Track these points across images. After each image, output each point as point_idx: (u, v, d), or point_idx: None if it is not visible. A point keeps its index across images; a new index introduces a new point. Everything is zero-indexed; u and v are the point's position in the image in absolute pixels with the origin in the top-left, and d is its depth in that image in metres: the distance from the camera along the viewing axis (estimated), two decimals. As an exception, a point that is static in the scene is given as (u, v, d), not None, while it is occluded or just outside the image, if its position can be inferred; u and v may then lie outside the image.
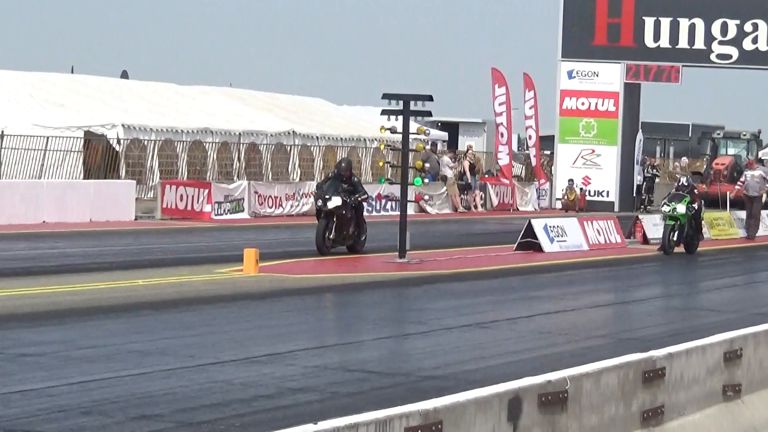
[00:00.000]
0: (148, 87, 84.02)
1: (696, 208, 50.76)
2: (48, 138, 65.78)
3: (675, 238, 49.35)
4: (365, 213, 44.54)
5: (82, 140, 68.80)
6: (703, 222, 53.78)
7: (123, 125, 71.36)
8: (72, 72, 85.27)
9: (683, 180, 52.63)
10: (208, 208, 66.42)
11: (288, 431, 10.99)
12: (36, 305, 30.42)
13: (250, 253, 40.43)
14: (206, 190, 68.17)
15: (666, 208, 50.75)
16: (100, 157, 69.40)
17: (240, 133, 77.56)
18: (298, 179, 77.46)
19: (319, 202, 40.08)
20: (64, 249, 45.41)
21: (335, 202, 39.56)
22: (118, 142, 70.68)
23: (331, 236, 40.08)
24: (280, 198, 71.85)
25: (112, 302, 31.71)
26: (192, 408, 18.92)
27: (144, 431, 16.87)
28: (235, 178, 73.22)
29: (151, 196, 67.55)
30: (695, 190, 52.19)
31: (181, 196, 67.50)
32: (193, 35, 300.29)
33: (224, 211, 67.06)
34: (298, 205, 71.91)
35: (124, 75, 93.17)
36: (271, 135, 79.77)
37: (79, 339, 25.91)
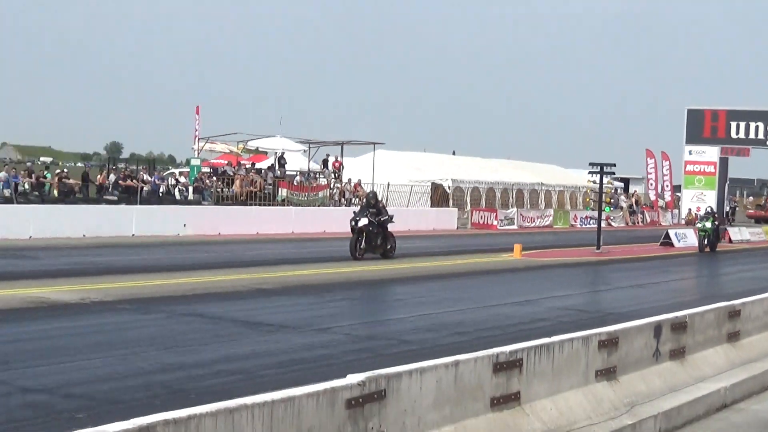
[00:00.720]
0: (465, 159, 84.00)
1: (717, 224, 49.68)
2: (412, 186, 65.92)
3: (705, 243, 47.91)
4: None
5: (430, 187, 68.87)
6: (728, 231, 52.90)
7: (452, 179, 71.31)
8: (424, 151, 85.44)
9: (708, 209, 51.61)
10: (495, 222, 66.10)
11: (486, 351, 10.80)
12: (403, 273, 30.47)
13: (518, 246, 40.43)
14: (494, 213, 67.94)
15: (699, 225, 49.61)
16: (439, 196, 69.45)
17: (513, 183, 77.08)
18: (543, 207, 76.83)
19: (353, 223, 34.71)
20: (420, 244, 45.34)
21: (363, 222, 34.23)
22: (449, 188, 70.65)
23: (362, 246, 34.34)
24: (534, 217, 71.38)
25: (440, 272, 31.67)
26: (484, 328, 18.91)
27: (457, 339, 16.84)
28: (510, 206, 72.78)
29: (466, 216, 67.32)
30: (716, 214, 51.02)
31: (481, 216, 67.25)
32: (489, 128, 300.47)
33: (504, 224, 66.66)
34: (543, 221, 71.35)
35: (453, 153, 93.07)
36: (529, 184, 79.16)
37: (423, 293, 26.03)
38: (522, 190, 77.75)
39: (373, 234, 34.31)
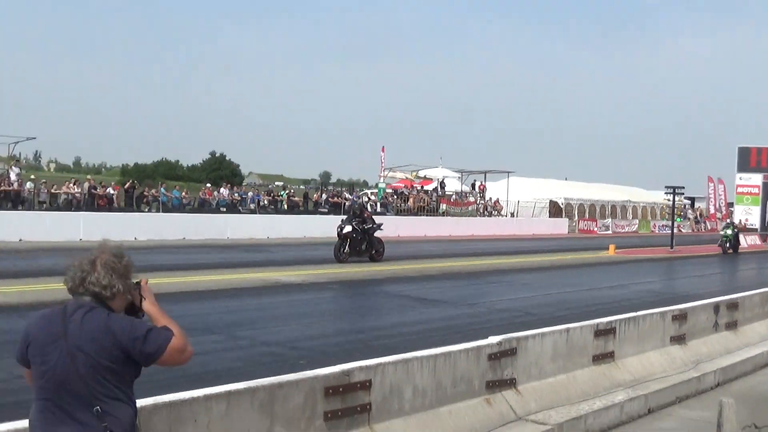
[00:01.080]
0: (574, 183, 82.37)
1: (736, 231, 46.18)
2: (535, 202, 65.14)
3: (728, 246, 44.51)
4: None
5: (548, 203, 68.00)
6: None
7: (564, 197, 70.02)
8: (544, 177, 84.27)
9: (728, 221, 49.42)
10: (596, 229, 64.98)
11: (589, 321, 10.52)
12: (532, 264, 29.98)
13: (612, 246, 39.65)
14: (595, 222, 66.77)
15: (722, 232, 46.04)
16: (555, 210, 68.48)
17: (608, 201, 75.46)
18: (631, 218, 75.14)
19: (338, 230, 28.34)
20: (539, 244, 44.80)
21: (347, 229, 27.88)
22: (562, 204, 69.53)
23: (346, 251, 27.78)
24: (624, 225, 69.86)
25: (544, 265, 30.92)
26: (586, 305, 18.44)
27: (568, 312, 16.49)
28: (606, 217, 71.39)
29: (574, 224, 66.18)
30: (734, 223, 48.07)
31: (585, 224, 66.27)
32: (592, 159, 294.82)
33: (602, 230, 65.48)
34: (630, 228, 69.81)
35: (566, 178, 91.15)
36: (621, 201, 77.24)
37: (544, 279, 25.44)
38: (615, 206, 76.12)
39: (357, 240, 28.14)
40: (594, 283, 24.67)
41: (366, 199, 54.57)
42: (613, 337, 10.11)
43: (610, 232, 66.77)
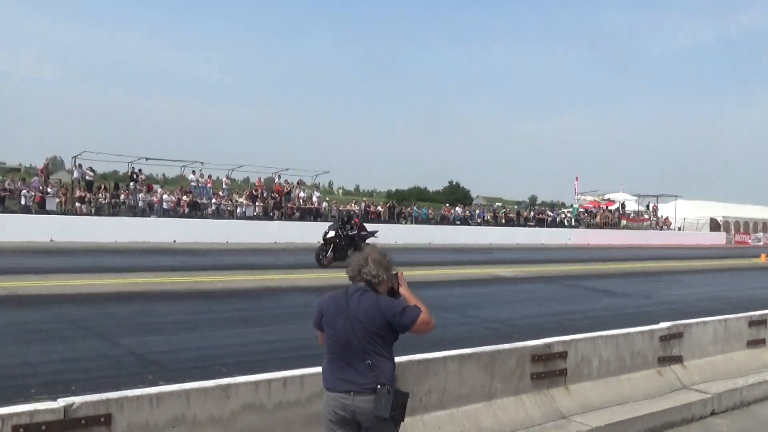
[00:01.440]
0: (731, 204, 75.41)
1: None
2: (698, 220, 60.82)
3: None
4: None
5: (709, 220, 63.16)
6: None
7: (722, 216, 64.56)
8: (705, 200, 78.08)
9: None
10: (749, 241, 59.71)
11: (744, 314, 9.56)
12: (683, 268, 27.71)
13: (763, 255, 36.27)
14: (748, 235, 61.33)
15: None
16: (714, 226, 63.44)
17: (760, 219, 68.75)
18: (759, 233, 68.63)
19: (323, 234, 21.48)
20: (701, 252, 41.59)
21: (330, 234, 21.07)
22: (720, 221, 64.27)
23: (328, 255, 20.92)
24: (750, 236, 63.86)
25: (706, 269, 28.08)
26: (741, 301, 16.87)
27: (724, 306, 15.16)
28: (758, 231, 65.39)
29: (730, 237, 60.91)
30: None
31: (740, 237, 60.93)
32: (748, 186, 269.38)
33: (754, 242, 60.05)
34: (762, 242, 63.73)
35: (723, 201, 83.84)
36: (759, 218, 70.74)
37: (701, 279, 23.38)
38: (766, 222, 69.61)
39: (341, 246, 21.47)
40: (748, 284, 22.49)
41: (563, 215, 53.54)
42: (764, 327, 9.28)
43: (761, 243, 61.09)
